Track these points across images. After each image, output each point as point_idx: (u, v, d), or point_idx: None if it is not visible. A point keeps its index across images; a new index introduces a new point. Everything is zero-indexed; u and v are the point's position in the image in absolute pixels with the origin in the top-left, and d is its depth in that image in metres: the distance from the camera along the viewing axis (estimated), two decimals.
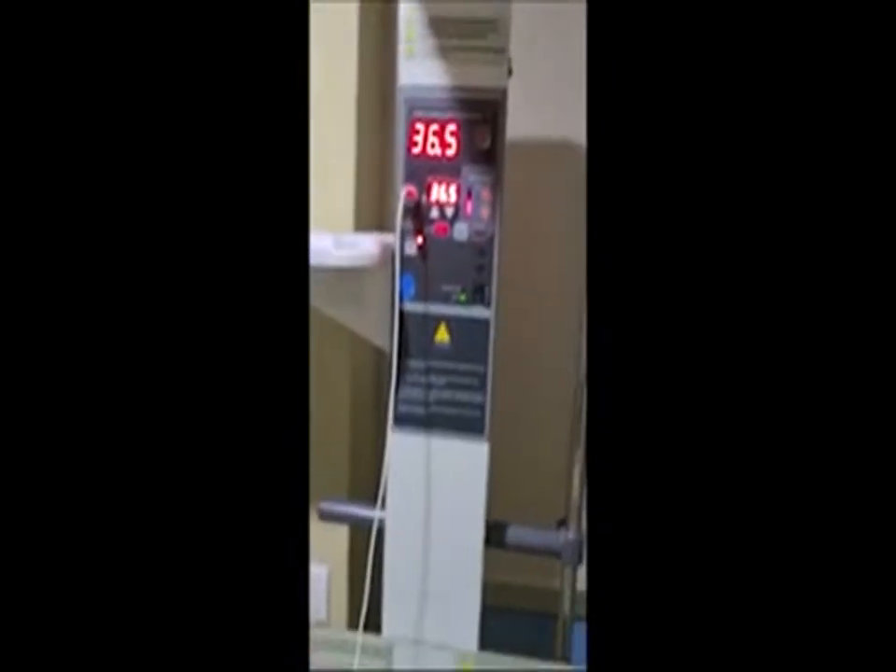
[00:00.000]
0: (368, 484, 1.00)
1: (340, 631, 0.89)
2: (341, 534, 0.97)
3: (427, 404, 0.78)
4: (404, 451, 0.78)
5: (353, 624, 0.95)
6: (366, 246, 0.72)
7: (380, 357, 1.04)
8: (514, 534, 0.84)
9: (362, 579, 0.75)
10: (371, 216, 0.99)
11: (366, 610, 0.77)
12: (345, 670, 0.71)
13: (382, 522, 0.80)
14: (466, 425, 0.77)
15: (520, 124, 0.82)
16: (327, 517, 0.89)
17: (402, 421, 0.78)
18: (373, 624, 0.84)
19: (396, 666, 0.77)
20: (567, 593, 0.85)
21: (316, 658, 0.79)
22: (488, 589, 0.81)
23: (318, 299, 0.75)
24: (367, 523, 0.82)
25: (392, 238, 0.75)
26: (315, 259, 0.65)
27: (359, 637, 0.72)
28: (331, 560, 0.98)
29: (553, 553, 0.84)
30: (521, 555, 0.86)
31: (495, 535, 0.83)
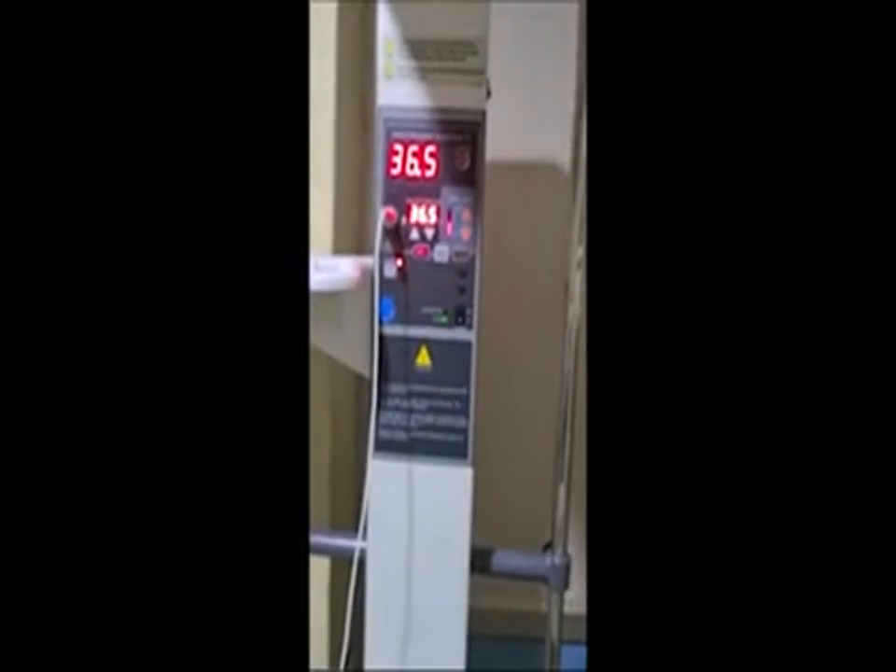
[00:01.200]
0: (349, 514, 0.97)
1: (320, 670, 0.86)
2: (321, 567, 0.94)
3: (408, 429, 0.76)
4: (385, 478, 0.76)
5: (334, 662, 0.91)
6: (345, 269, 0.70)
7: (360, 382, 1.02)
8: (500, 559, 0.82)
9: (344, 613, 0.72)
10: (349, 238, 0.97)
11: (347, 645, 0.75)
12: None
13: (363, 552, 0.78)
14: (449, 450, 0.76)
15: (503, 145, 0.82)
16: (315, 551, 0.86)
17: (383, 447, 0.77)
18: (355, 658, 0.82)
19: None
20: (555, 617, 0.83)
21: None
22: (472, 615, 0.79)
23: None
24: (349, 554, 0.80)
25: (371, 260, 0.74)
26: None
27: None
28: (312, 595, 0.94)
29: (540, 578, 0.83)
30: (505, 580, 0.84)
31: (480, 561, 0.81)
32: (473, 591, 0.78)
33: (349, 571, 0.74)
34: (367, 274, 0.73)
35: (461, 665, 0.77)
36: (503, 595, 0.99)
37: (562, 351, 0.79)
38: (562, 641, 0.87)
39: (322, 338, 0.76)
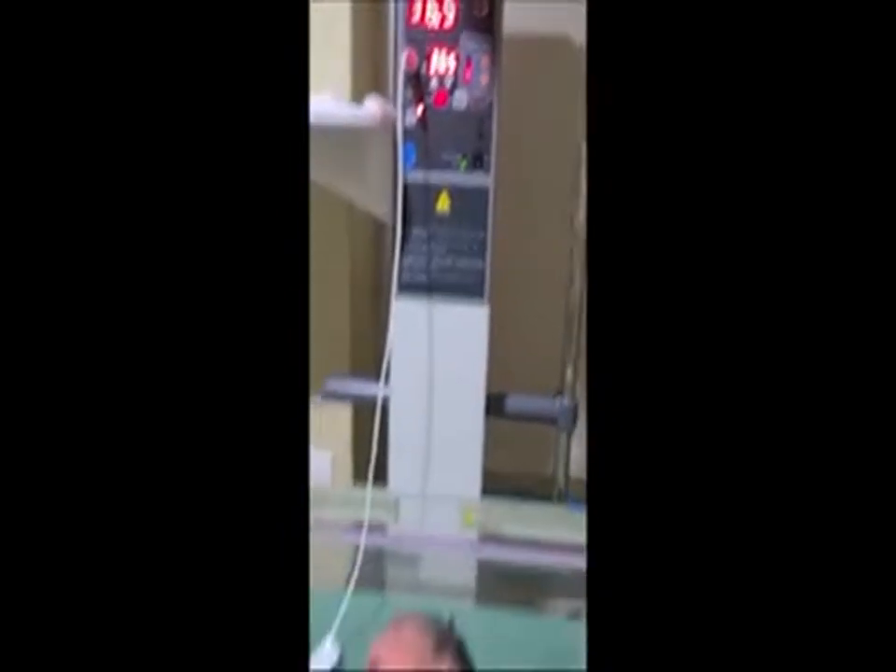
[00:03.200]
0: (368, 361, 1.03)
1: (346, 487, 0.91)
2: (343, 416, 0.99)
3: (428, 272, 0.81)
4: (407, 319, 0.81)
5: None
6: (369, 106, 0.73)
7: (377, 231, 1.05)
8: (513, 403, 0.88)
9: (366, 463, 0.77)
10: (368, 86, 0.98)
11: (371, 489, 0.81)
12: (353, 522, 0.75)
13: (385, 400, 0.83)
14: (466, 289, 0.80)
15: (518, 20, 0.83)
16: (331, 396, 0.92)
17: (405, 289, 0.81)
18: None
19: (403, 518, 0.80)
20: (562, 456, 0.90)
21: (325, 513, 0.82)
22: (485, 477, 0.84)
23: (318, 169, 0.76)
24: (370, 400, 0.85)
25: (392, 107, 0.77)
26: (315, 119, 0.66)
27: (368, 490, 0.75)
28: (334, 445, 1.01)
29: (550, 420, 0.88)
30: (514, 447, 0.90)
31: (495, 405, 0.87)
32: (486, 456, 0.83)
33: (371, 415, 0.79)
34: (388, 116, 0.76)
35: (478, 485, 0.82)
36: (512, 460, 1.04)
37: (573, 196, 0.83)
38: (568, 484, 0.93)
39: (344, 183, 0.79)
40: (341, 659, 0.69)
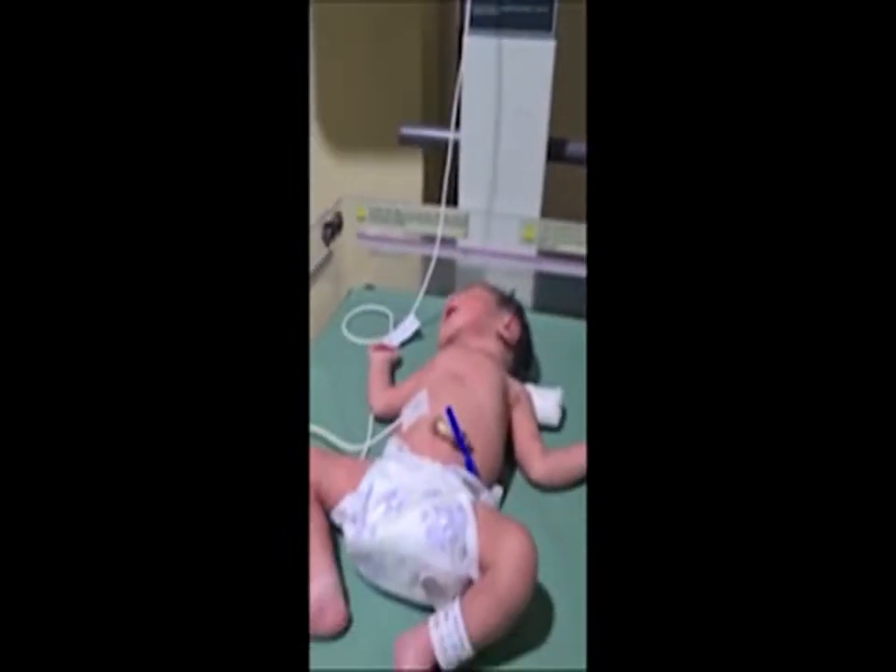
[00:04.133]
0: (435, 113, 1.08)
1: (419, 205, 1.00)
2: (414, 166, 1.09)
3: (499, 3, 0.85)
4: (477, 56, 0.86)
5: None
6: None
7: None
8: (573, 147, 0.95)
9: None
10: None
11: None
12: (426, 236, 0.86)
13: (456, 141, 0.89)
14: (535, 22, 0.85)
15: None
16: (408, 140, 1.00)
17: (476, 23, 0.86)
18: None
19: (472, 232, 0.91)
20: None
21: (404, 230, 0.94)
22: None
23: None
24: (442, 141, 0.93)
25: None
26: None
27: (443, 208, 0.86)
28: (406, 196, 1.11)
29: None
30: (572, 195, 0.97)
31: (556, 150, 0.94)
32: None
33: (438, 162, 0.85)
34: None
35: (538, 206, 0.92)
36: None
37: None
38: None
39: None
40: (419, 330, 0.84)
